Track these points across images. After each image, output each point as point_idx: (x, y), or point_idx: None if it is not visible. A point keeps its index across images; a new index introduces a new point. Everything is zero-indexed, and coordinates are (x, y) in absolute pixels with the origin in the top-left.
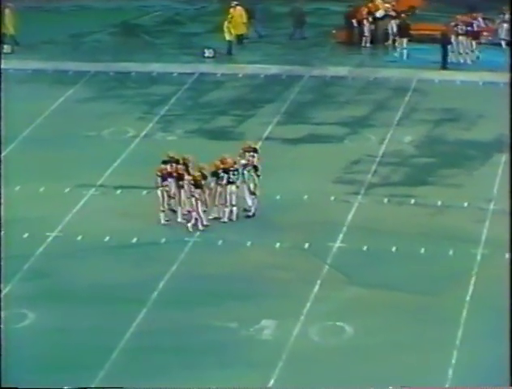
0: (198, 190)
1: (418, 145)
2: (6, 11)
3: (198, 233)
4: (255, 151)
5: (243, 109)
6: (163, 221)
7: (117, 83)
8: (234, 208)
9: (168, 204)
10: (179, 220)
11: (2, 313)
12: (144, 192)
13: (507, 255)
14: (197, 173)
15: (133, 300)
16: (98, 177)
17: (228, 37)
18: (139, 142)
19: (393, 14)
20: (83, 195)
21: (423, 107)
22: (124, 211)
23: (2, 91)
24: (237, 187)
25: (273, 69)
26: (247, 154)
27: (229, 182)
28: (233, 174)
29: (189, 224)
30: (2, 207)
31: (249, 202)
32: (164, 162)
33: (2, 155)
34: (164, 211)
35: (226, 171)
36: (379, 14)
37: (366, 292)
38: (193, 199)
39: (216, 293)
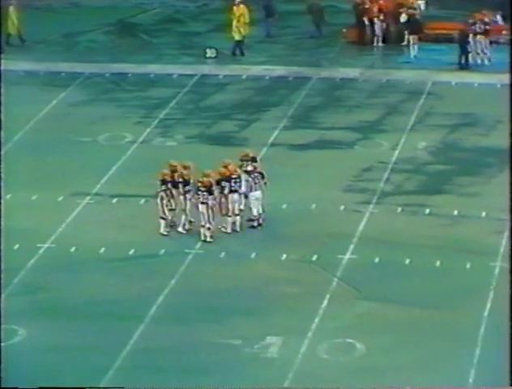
0: (212, 197)
1: (433, 151)
2: (10, 9)
3: (199, 245)
4: (254, 160)
5: (247, 113)
6: (162, 230)
7: (113, 85)
8: (237, 218)
9: (164, 217)
10: (180, 229)
11: None
12: (142, 201)
13: None
14: (205, 179)
15: (130, 316)
16: (93, 185)
17: (237, 37)
18: (137, 148)
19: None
20: (77, 204)
21: (438, 111)
22: (120, 222)
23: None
24: (240, 195)
25: (279, 70)
26: (244, 163)
27: (231, 191)
28: (235, 182)
29: (207, 233)
30: None
31: (255, 211)
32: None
33: None
34: (164, 218)
35: (228, 179)
36: (403, 18)
37: (378, 307)
38: (203, 207)
39: (219, 309)
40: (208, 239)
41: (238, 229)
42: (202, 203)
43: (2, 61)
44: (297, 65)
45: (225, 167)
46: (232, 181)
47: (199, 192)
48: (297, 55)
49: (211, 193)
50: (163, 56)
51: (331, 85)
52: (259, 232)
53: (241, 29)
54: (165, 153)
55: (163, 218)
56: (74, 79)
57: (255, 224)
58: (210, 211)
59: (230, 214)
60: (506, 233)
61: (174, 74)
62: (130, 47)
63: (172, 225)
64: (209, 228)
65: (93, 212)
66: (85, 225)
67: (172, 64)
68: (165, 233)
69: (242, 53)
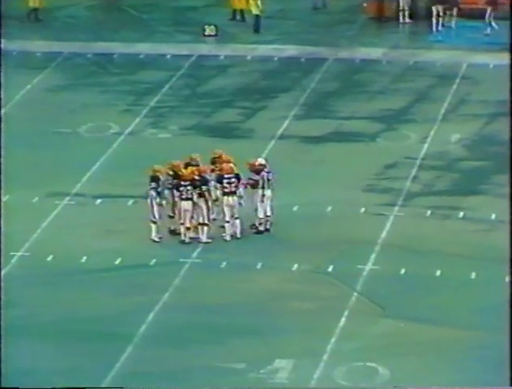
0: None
1: (468, 145)
2: None
3: (196, 253)
4: (237, 176)
5: (252, 100)
6: (153, 235)
7: (96, 67)
8: (237, 222)
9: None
10: (191, 235)
11: None
12: (130, 202)
13: None
14: (185, 171)
15: (116, 336)
16: (73, 184)
17: (254, 11)
18: (124, 140)
19: None
20: (54, 206)
21: (474, 98)
22: (105, 226)
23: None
24: (240, 197)
25: (290, 50)
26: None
27: (225, 193)
28: (228, 182)
29: (187, 233)
30: None
31: (261, 214)
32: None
33: None
34: (155, 222)
35: (219, 179)
36: None
37: (404, 326)
38: (187, 203)
39: (219, 328)
40: (187, 240)
41: (239, 235)
42: (186, 199)
43: None
44: (311, 44)
45: (215, 163)
46: (225, 180)
47: (181, 187)
48: (311, 32)
49: (195, 186)
50: (154, 34)
51: (350, 67)
52: (266, 239)
53: (259, 2)
54: (157, 147)
55: (153, 221)
56: (51, 59)
57: (262, 228)
58: (196, 208)
59: (228, 219)
60: None
61: (167, 54)
62: (115, 23)
63: (173, 231)
64: (188, 228)
65: (73, 215)
66: (64, 230)
67: (164, 43)
68: (157, 240)
69: (257, 30)
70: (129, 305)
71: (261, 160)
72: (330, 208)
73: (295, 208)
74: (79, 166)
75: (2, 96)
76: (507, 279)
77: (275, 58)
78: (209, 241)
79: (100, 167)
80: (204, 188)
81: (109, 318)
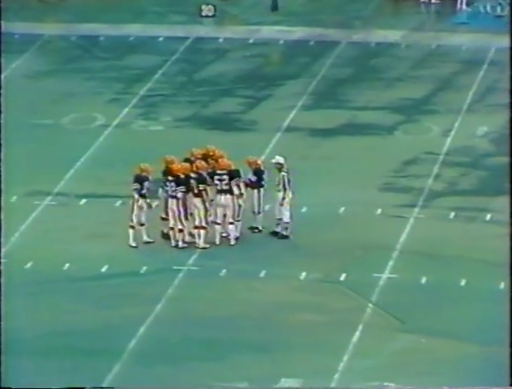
0: (181, 188)
1: (495, 139)
2: None
3: (192, 260)
4: (230, 174)
5: (255, 89)
6: (131, 241)
7: (80, 51)
8: (231, 226)
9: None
10: (186, 240)
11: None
12: (118, 203)
13: None
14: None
15: (102, 351)
16: (55, 182)
17: None
18: (111, 133)
19: None
20: (34, 207)
21: (503, 86)
22: (90, 229)
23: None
24: (241, 194)
25: (297, 32)
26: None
27: (218, 191)
28: (220, 180)
29: (178, 236)
30: None
31: (287, 217)
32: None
33: None
34: (133, 227)
35: (211, 175)
36: None
37: (425, 341)
38: (173, 202)
39: (218, 342)
40: (180, 244)
41: (232, 243)
42: (172, 196)
43: None
44: (321, 25)
45: (205, 158)
46: (216, 176)
47: (167, 184)
48: (321, 12)
49: (179, 184)
50: (145, 14)
51: (365, 52)
52: (271, 244)
53: None
54: (148, 140)
55: (131, 226)
56: (31, 42)
57: (285, 232)
58: (181, 208)
59: (218, 221)
60: None
61: (160, 36)
62: (102, 2)
63: (166, 235)
64: (181, 230)
65: (55, 217)
66: (45, 234)
67: (157, 24)
68: (134, 245)
69: (275, 8)
70: (117, 318)
71: (278, 159)
72: (342, 210)
73: (303, 210)
74: (62, 162)
75: None
76: None
77: (281, 41)
78: (207, 246)
79: (84, 163)
80: (201, 186)
81: (95, 332)
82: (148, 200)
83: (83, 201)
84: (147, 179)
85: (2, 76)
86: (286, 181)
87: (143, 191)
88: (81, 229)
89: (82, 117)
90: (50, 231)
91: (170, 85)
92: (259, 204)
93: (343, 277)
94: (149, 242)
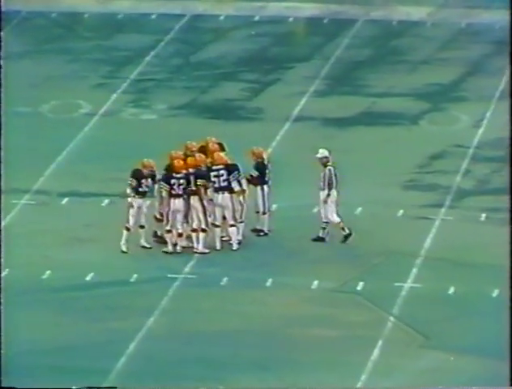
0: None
1: None
2: None
3: (188, 267)
4: (228, 168)
5: (261, 72)
6: (122, 244)
7: (62, 30)
8: (233, 230)
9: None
10: (183, 244)
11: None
12: (105, 202)
13: None
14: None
15: (87, 370)
16: (34, 179)
17: None
18: (98, 123)
19: None
20: (10, 206)
21: None
22: (73, 232)
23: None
24: (243, 191)
25: (309, 9)
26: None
27: (216, 189)
28: (217, 176)
29: (179, 241)
30: None
31: (335, 217)
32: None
33: None
34: (129, 229)
35: (209, 170)
36: None
37: (453, 359)
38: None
39: (218, 361)
40: (178, 249)
41: (234, 248)
42: (178, 196)
43: None
44: (336, 1)
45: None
46: (213, 173)
47: (172, 181)
48: None
49: (189, 182)
50: None
51: (386, 31)
52: (278, 249)
53: None
54: (140, 131)
55: (127, 228)
56: (6, 20)
57: (324, 235)
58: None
59: (217, 223)
60: None
61: (152, 13)
62: None
63: (159, 238)
64: (180, 235)
65: (34, 218)
66: (22, 238)
67: None
68: (124, 250)
69: None
70: (104, 333)
71: (323, 152)
72: (359, 210)
73: (315, 210)
74: (41, 156)
75: None
76: None
77: (290, 19)
78: (206, 251)
79: (67, 157)
80: (200, 182)
81: (78, 349)
82: (139, 200)
83: (66, 200)
84: (148, 176)
85: None
86: (333, 176)
87: (140, 189)
88: (63, 232)
89: (64, 104)
90: (28, 234)
91: (164, 68)
92: (264, 203)
93: (360, 286)
94: (146, 247)
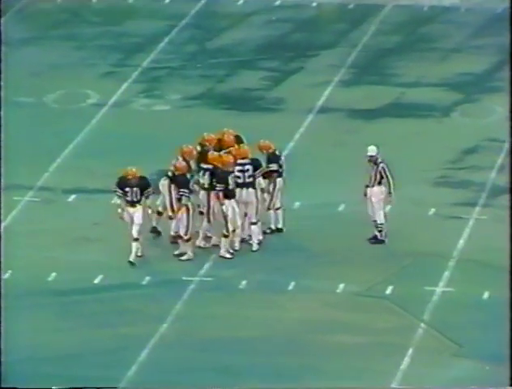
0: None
1: None
2: None
3: (205, 269)
4: (254, 163)
5: (282, 60)
6: (133, 257)
7: (68, 14)
8: (253, 228)
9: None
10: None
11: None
12: (114, 199)
13: None
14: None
15: (96, 380)
16: (38, 175)
17: None
18: (106, 114)
19: None
20: (13, 204)
21: None
22: (81, 232)
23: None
24: (262, 190)
25: None
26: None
27: (242, 184)
28: (241, 171)
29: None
30: None
31: (381, 217)
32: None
33: None
34: (137, 239)
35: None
36: None
37: (488, 369)
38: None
39: (236, 369)
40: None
41: (255, 248)
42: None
43: None
44: None
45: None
46: (237, 168)
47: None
48: None
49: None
50: None
51: (415, 17)
52: (300, 250)
53: None
54: (152, 123)
55: (136, 239)
56: (8, 4)
57: (383, 237)
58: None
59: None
60: None
61: None
62: None
63: (175, 238)
64: (189, 240)
65: (37, 217)
66: (25, 237)
67: None
68: (132, 261)
69: None
70: (113, 340)
71: (372, 149)
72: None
73: (340, 208)
74: (46, 149)
75: None
76: None
77: (314, 4)
78: (227, 255)
79: (73, 150)
80: (220, 187)
81: (87, 356)
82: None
83: (72, 197)
84: (134, 185)
85: None
86: (388, 173)
87: (128, 198)
88: (69, 232)
89: (70, 94)
90: (32, 233)
91: (178, 56)
92: (277, 199)
93: (389, 290)
94: (132, 263)
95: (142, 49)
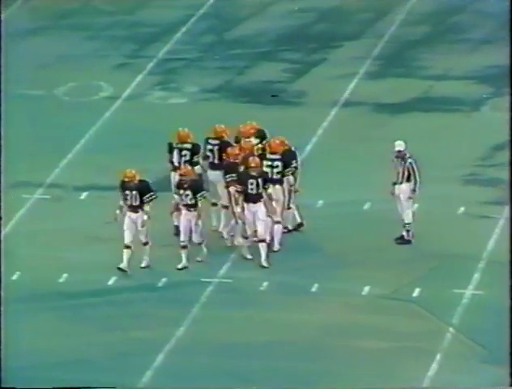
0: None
1: None
2: None
3: (223, 270)
4: (284, 158)
5: (305, 51)
6: (122, 264)
7: (79, 3)
8: (276, 227)
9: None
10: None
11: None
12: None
13: None
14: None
15: (109, 386)
16: (48, 171)
17: None
18: (120, 108)
19: None
20: (22, 201)
21: None
22: (93, 231)
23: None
24: (290, 184)
25: None
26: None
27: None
28: (271, 166)
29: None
30: None
31: (409, 216)
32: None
33: None
34: (129, 247)
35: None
36: None
37: None
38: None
39: (256, 375)
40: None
41: (276, 248)
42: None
43: None
44: None
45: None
46: (267, 163)
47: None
48: None
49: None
50: None
51: (444, 6)
52: (323, 250)
53: None
54: (168, 116)
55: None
56: None
57: (408, 236)
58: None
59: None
60: None
61: None
62: None
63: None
64: (200, 243)
65: (47, 215)
66: (34, 237)
67: None
68: (124, 269)
69: None
70: (127, 344)
71: (400, 144)
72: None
73: (366, 206)
74: (56, 145)
75: None
76: None
77: None
78: (249, 257)
79: (85, 145)
80: (240, 188)
81: (99, 361)
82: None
83: (84, 194)
84: (133, 188)
85: None
86: (416, 170)
87: (128, 202)
88: (81, 231)
89: (81, 86)
90: (42, 232)
91: (195, 46)
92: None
93: (415, 293)
94: (122, 269)
95: (158, 39)
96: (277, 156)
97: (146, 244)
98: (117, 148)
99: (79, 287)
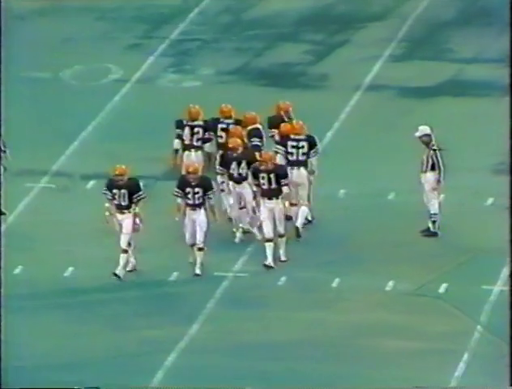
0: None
1: None
2: None
3: (239, 264)
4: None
5: (327, 33)
6: (120, 270)
7: None
8: (304, 208)
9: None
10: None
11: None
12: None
13: None
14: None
15: (121, 387)
16: (53, 158)
17: None
18: (130, 91)
19: None
20: (26, 191)
21: None
22: (100, 223)
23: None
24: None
25: None
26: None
27: (294, 163)
28: (296, 147)
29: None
30: None
31: (436, 206)
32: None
33: None
34: (126, 251)
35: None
36: None
37: None
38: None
39: (273, 376)
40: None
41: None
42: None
43: None
44: None
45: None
46: (292, 143)
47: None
48: None
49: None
50: None
51: None
52: (345, 244)
53: None
54: (181, 100)
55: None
56: None
57: (434, 228)
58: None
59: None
60: None
61: None
62: None
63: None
64: (201, 249)
65: (53, 205)
66: (38, 229)
67: None
68: (119, 274)
69: None
70: (137, 343)
71: (424, 129)
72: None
73: (390, 196)
74: (62, 130)
75: None
76: None
77: None
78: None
79: (93, 132)
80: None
81: (108, 362)
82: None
83: (91, 183)
84: (122, 186)
85: None
86: (439, 158)
87: (115, 201)
88: (88, 222)
89: (89, 69)
90: (46, 224)
91: (211, 27)
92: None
93: (442, 289)
94: (117, 275)
95: (171, 19)
96: (302, 137)
97: (125, 251)
98: (126, 135)
99: (86, 282)
